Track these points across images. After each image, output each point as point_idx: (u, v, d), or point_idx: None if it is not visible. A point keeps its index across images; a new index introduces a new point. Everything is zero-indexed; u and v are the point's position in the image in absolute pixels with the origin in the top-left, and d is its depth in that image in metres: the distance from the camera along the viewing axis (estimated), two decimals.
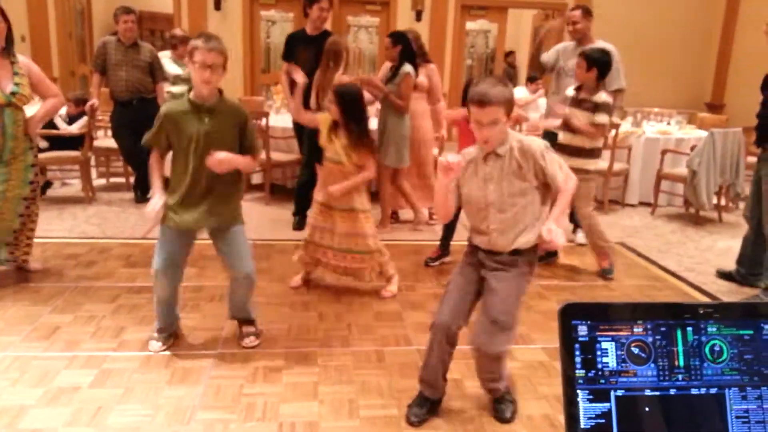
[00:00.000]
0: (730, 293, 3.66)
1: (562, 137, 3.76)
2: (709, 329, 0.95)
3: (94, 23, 9.23)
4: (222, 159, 2.41)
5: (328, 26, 4.72)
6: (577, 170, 3.70)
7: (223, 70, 2.44)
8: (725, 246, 4.66)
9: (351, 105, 3.10)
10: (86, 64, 8.62)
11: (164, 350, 2.66)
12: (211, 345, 2.73)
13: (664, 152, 5.48)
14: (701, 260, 4.30)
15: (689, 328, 0.95)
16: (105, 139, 5.88)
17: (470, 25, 9.56)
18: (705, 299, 3.51)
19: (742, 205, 5.93)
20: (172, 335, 2.74)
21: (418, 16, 8.75)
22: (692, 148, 5.31)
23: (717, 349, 0.94)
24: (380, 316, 3.12)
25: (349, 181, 3.14)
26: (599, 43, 4.25)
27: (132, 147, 5.05)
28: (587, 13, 4.39)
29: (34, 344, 2.67)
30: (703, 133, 5.64)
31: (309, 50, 4.36)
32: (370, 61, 9.26)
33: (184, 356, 2.62)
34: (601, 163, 4.07)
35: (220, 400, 2.31)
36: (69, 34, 8.48)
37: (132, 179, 5.41)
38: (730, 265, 3.97)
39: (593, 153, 3.73)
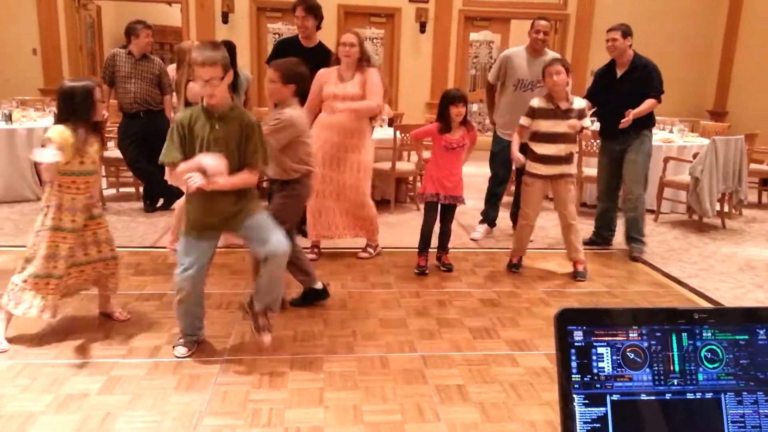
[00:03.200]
0: (734, 300, 3.67)
1: (551, 149, 3.76)
2: (705, 334, 0.96)
3: (105, 36, 9.33)
4: (216, 184, 2.43)
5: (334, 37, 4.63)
6: (568, 176, 3.80)
7: (221, 80, 2.44)
8: (729, 252, 4.67)
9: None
10: (97, 76, 8.72)
11: (189, 356, 2.71)
12: (218, 352, 2.77)
13: (666, 160, 5.50)
14: (705, 266, 4.31)
15: (684, 333, 0.96)
16: (115, 150, 5.93)
17: (474, 36, 9.64)
18: (708, 306, 3.52)
19: (745, 212, 5.94)
20: (196, 342, 2.79)
21: (422, 28, 8.83)
22: (695, 156, 5.32)
23: (712, 354, 0.95)
24: (385, 322, 3.15)
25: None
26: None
27: (136, 158, 5.11)
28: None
29: (43, 351, 2.71)
30: (706, 141, 5.66)
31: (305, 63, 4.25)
32: None
33: (191, 363, 2.65)
34: None
35: (226, 406, 2.34)
36: (79, 47, 8.60)
37: (141, 189, 5.47)
38: (735, 272, 3.98)
39: (573, 157, 3.94)
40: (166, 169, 2.60)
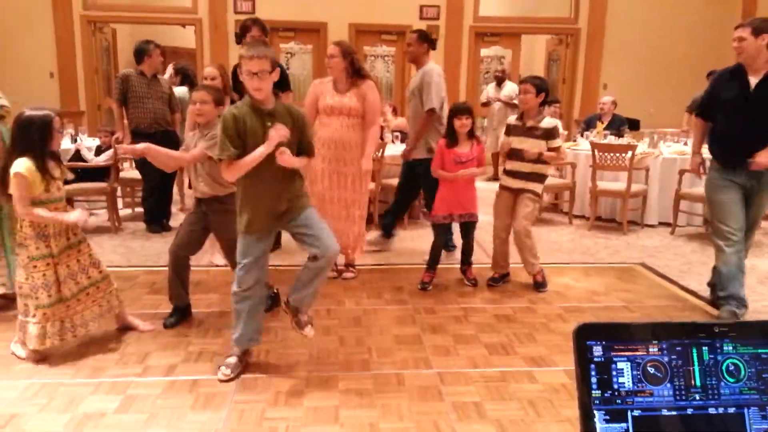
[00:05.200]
0: (755, 313, 3.60)
1: (516, 165, 3.85)
2: (725, 348, 0.95)
3: (120, 58, 9.50)
4: (289, 159, 2.50)
5: None
6: (530, 192, 3.83)
7: (270, 74, 2.49)
8: (748, 264, 4.57)
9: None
10: (112, 97, 8.89)
11: (234, 377, 2.68)
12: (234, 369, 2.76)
13: (681, 172, 5.45)
14: None
15: (705, 348, 0.95)
16: (130, 171, 6.02)
17: (484, 51, 9.68)
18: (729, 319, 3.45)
19: (763, 223, 5.85)
20: (245, 355, 2.78)
21: (433, 45, 8.88)
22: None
23: (734, 368, 0.94)
24: (400, 339, 3.13)
25: None
26: (430, 65, 4.54)
27: (159, 177, 5.04)
28: (422, 38, 4.56)
29: (61, 371, 2.73)
30: None
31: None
32: (387, 89, 9.39)
33: (208, 381, 2.66)
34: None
35: (243, 424, 2.33)
36: (95, 70, 8.76)
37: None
38: (755, 284, 3.92)
39: (544, 177, 3.92)
40: (223, 164, 2.55)
